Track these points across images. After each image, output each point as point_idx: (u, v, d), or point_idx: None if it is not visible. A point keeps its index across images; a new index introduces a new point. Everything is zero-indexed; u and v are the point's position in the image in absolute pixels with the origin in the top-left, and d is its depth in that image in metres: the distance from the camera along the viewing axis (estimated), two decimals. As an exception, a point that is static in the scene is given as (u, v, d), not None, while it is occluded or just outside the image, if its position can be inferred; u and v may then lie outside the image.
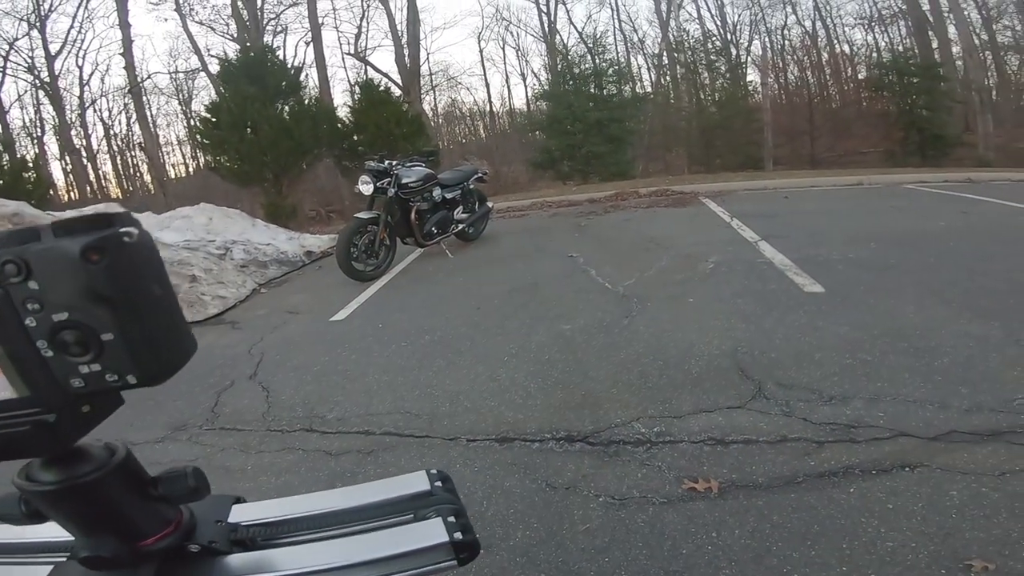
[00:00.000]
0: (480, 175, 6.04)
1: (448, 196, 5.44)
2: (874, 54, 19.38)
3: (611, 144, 13.57)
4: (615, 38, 20.96)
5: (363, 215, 4.74)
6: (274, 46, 16.16)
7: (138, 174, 21.77)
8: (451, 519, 0.41)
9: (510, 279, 4.33)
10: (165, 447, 2.40)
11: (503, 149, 19.14)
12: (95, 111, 19.90)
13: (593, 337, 3.00)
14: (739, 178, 10.13)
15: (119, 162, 21.43)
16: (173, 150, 21.90)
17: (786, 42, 20.28)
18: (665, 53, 20.02)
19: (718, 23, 20.19)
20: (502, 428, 2.20)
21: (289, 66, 12.33)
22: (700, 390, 2.31)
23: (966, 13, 17.35)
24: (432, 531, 0.40)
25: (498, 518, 1.70)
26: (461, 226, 5.61)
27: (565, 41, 19.89)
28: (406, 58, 17.30)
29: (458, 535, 0.39)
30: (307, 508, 0.44)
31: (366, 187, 4.79)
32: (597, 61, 15.16)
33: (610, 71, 15.10)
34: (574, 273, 4.31)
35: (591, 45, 16.00)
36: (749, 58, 19.68)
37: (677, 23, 19.99)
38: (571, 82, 14.81)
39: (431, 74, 20.57)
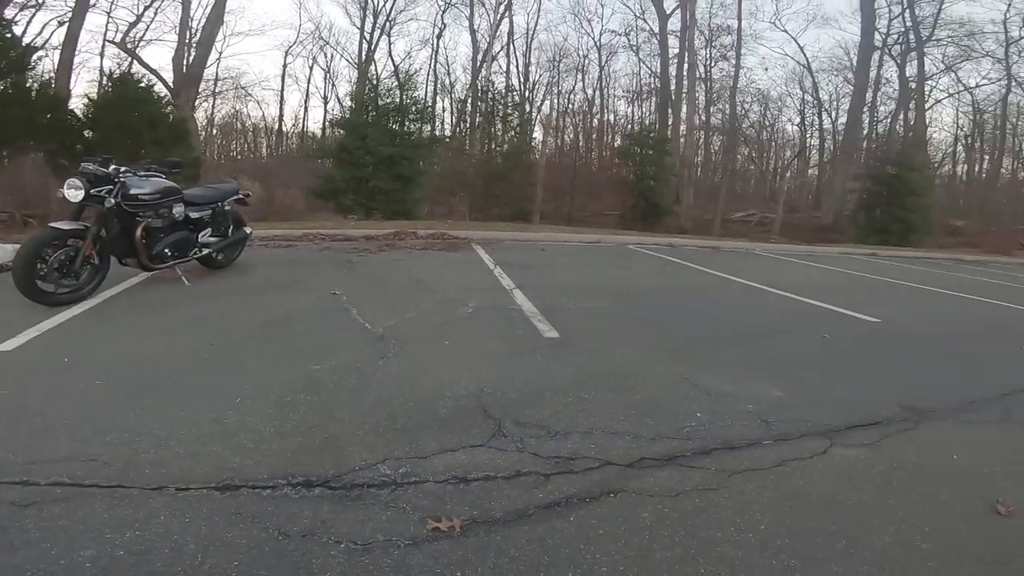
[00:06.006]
0: (240, 196, 5.44)
1: (193, 215, 4.74)
2: (629, 125, 24.18)
3: (399, 182, 13.74)
4: (427, 78, 21.68)
5: (62, 225, 3.81)
6: (15, 19, 12.48)
7: None
8: None
9: (259, 312, 3.92)
10: None
11: (284, 172, 17.78)
12: None
13: (344, 378, 2.86)
14: (509, 228, 11.76)
15: None
16: None
17: (570, 105, 23.71)
18: (470, 100, 21.43)
19: (522, 79, 22.46)
20: (225, 475, 1.90)
21: (23, 43, 9.67)
22: (446, 430, 2.34)
23: (698, 95, 22.79)
24: None
25: (217, 571, 1.46)
26: (207, 251, 4.92)
27: (379, 72, 19.86)
28: (188, 58, 15.07)
29: None
30: None
31: (74, 193, 3.86)
32: (404, 98, 15.43)
33: (414, 108, 15.50)
34: (334, 311, 4.11)
35: (402, 80, 16.28)
36: (539, 116, 22.41)
37: (488, 72, 21.67)
38: (373, 113, 14.73)
39: (216, 79, 18.21)
